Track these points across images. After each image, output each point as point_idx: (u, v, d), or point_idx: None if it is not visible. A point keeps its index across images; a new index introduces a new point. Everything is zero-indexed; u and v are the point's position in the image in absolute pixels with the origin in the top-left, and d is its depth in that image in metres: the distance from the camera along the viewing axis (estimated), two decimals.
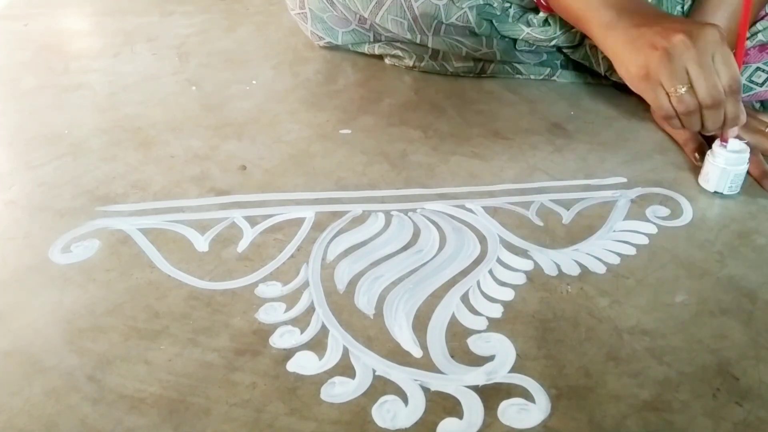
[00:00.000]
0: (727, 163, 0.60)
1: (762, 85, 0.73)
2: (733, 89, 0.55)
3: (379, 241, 0.56)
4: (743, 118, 0.58)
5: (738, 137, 0.61)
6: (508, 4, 0.79)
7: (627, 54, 0.59)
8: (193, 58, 0.93)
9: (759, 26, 0.73)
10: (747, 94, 0.74)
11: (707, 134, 0.62)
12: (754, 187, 0.63)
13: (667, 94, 0.57)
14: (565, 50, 0.82)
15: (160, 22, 1.07)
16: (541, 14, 0.76)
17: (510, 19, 0.80)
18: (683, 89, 0.55)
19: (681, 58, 0.55)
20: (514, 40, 0.81)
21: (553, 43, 0.79)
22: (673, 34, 0.55)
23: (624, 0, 0.62)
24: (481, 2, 0.78)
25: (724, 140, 0.60)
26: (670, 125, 0.60)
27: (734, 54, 0.56)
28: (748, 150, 0.61)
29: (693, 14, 0.73)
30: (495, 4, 0.79)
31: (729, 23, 0.71)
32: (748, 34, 0.73)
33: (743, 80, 0.74)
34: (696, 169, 0.65)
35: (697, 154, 0.66)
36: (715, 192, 0.62)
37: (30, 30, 1.05)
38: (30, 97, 0.82)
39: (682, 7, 0.75)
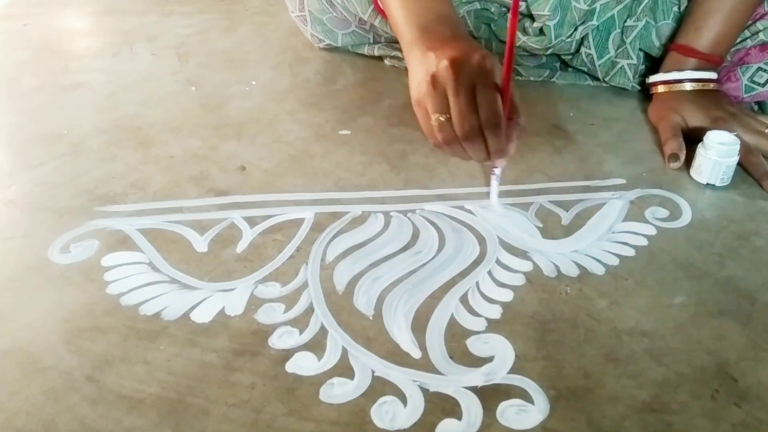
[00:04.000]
0: (719, 156, 0.61)
1: (764, 85, 0.73)
2: (491, 123, 0.52)
3: (378, 242, 0.56)
4: (510, 150, 0.55)
5: (729, 131, 0.63)
6: (505, 9, 0.79)
7: (412, 76, 0.58)
8: (193, 58, 0.93)
9: (760, 25, 0.73)
10: (749, 94, 0.74)
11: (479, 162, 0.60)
12: (753, 188, 0.63)
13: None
14: (563, 57, 0.82)
15: (159, 22, 1.07)
16: (536, 24, 0.76)
17: (508, 24, 0.80)
18: (443, 118, 0.53)
19: (443, 86, 0.53)
20: None
21: (549, 51, 0.80)
22: (442, 61, 0.53)
23: (429, 19, 0.60)
24: (479, 7, 0.79)
25: (494, 167, 0.59)
26: (442, 151, 0.57)
27: (502, 86, 0.52)
28: (738, 142, 0.61)
29: (686, 18, 0.73)
30: (492, 9, 0.79)
31: (722, 27, 0.71)
32: (748, 33, 0.73)
33: (745, 80, 0.74)
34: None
35: (670, 160, 0.66)
36: (707, 184, 0.63)
37: (29, 29, 1.05)
38: (29, 97, 0.82)
39: (678, 8, 0.75)
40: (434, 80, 0.53)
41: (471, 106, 0.52)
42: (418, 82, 0.55)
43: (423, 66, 0.55)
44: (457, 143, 0.54)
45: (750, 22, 0.73)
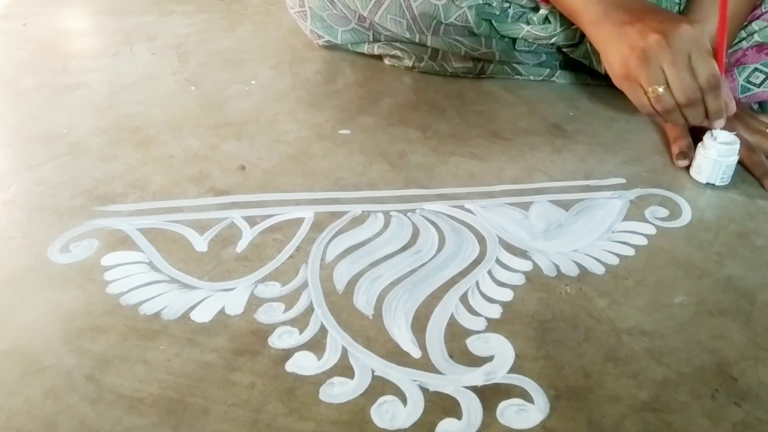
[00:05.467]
0: (718, 155, 0.61)
1: (760, 86, 0.73)
2: (712, 85, 0.56)
3: (378, 242, 0.56)
4: (731, 108, 0.59)
5: (729, 130, 0.63)
6: (507, 4, 0.79)
7: (611, 53, 0.60)
8: (193, 57, 0.93)
9: (755, 26, 0.73)
10: (745, 95, 0.74)
11: (695, 126, 0.63)
12: (753, 187, 0.63)
13: (647, 93, 0.58)
14: (565, 49, 0.82)
15: (159, 21, 1.07)
16: (542, 12, 0.76)
17: (509, 19, 0.80)
18: (660, 89, 0.57)
19: (657, 59, 0.56)
20: (513, 40, 0.81)
21: (553, 40, 0.80)
22: (650, 35, 0.56)
23: None
24: (481, 2, 0.79)
25: (715, 129, 0.62)
26: (655, 120, 0.62)
27: (714, 51, 0.57)
28: (738, 141, 0.62)
29: (687, 14, 0.73)
30: (494, 4, 0.79)
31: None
32: (744, 34, 0.73)
33: (741, 81, 0.74)
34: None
35: (679, 158, 0.66)
36: (707, 183, 0.63)
37: (29, 29, 1.05)
38: (29, 97, 0.82)
39: (679, 7, 0.75)
40: (644, 54, 0.56)
41: (690, 74, 0.56)
42: (623, 58, 0.58)
43: (624, 41, 0.58)
44: (676, 111, 0.58)
45: (746, 22, 0.73)
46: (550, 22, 0.77)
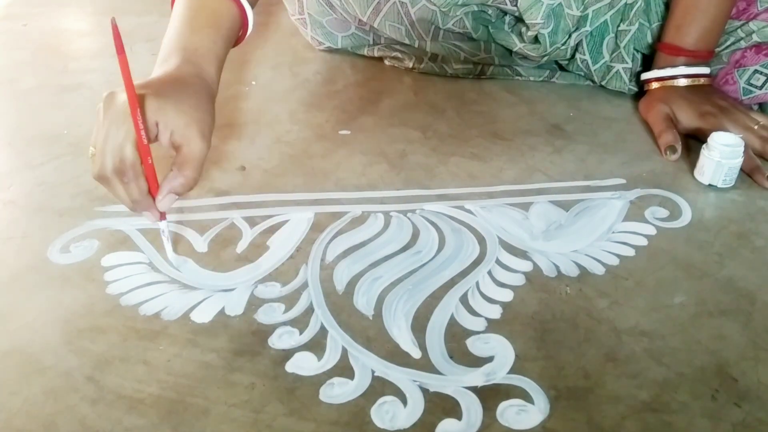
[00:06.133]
0: (722, 157, 0.61)
1: (761, 88, 0.73)
2: (120, 170, 0.47)
3: (378, 242, 0.56)
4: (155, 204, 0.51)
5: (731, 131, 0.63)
6: (503, 13, 0.79)
7: None
8: None
9: (753, 26, 0.72)
10: (747, 97, 0.74)
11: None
12: (753, 188, 0.63)
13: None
14: (560, 61, 0.82)
15: (159, 21, 1.07)
16: (531, 32, 0.76)
17: (506, 27, 0.80)
18: (92, 150, 0.48)
19: (98, 118, 0.48)
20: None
21: (545, 59, 0.80)
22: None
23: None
24: (476, 9, 0.79)
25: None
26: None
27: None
28: (743, 144, 0.61)
29: (668, 17, 0.74)
30: (490, 12, 0.79)
31: (702, 22, 0.71)
32: (742, 34, 0.73)
33: (742, 83, 0.74)
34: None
35: (668, 152, 0.67)
36: (710, 185, 0.63)
37: (29, 29, 1.05)
38: (29, 97, 0.82)
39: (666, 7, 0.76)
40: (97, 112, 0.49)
41: (110, 147, 0.47)
42: None
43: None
44: (111, 180, 0.49)
45: (743, 21, 0.73)
46: (540, 42, 0.77)
